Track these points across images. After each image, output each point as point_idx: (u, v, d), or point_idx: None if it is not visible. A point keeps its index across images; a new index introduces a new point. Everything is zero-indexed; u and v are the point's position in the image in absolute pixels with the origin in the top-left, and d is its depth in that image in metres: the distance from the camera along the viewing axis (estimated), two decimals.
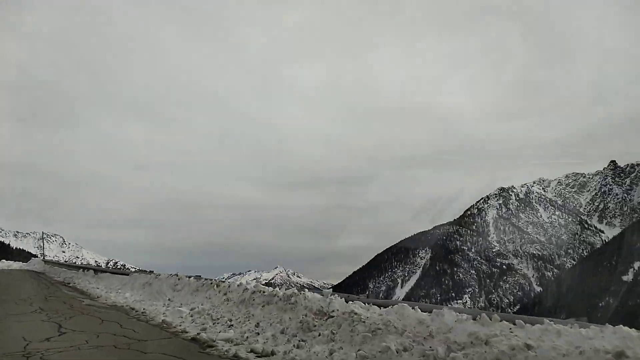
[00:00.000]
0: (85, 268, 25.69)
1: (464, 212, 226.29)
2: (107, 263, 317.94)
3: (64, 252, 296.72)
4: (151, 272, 18.15)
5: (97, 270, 23.86)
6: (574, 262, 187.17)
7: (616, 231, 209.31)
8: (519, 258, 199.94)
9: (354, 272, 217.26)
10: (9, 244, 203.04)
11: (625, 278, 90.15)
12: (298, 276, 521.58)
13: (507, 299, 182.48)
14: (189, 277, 14.46)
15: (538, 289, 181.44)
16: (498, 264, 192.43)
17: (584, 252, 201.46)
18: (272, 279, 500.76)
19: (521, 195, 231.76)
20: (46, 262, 39.28)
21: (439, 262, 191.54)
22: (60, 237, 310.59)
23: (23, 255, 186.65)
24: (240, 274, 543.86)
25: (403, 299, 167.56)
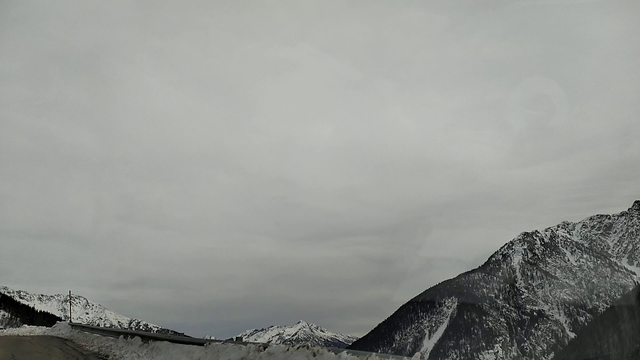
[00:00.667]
0: (128, 334, 19.41)
1: (489, 259, 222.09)
2: (130, 324, 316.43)
3: (87, 313, 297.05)
4: (237, 338, 13.37)
5: (146, 337, 17.62)
6: (607, 306, 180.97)
7: None
8: (549, 304, 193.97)
9: (379, 325, 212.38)
10: (33, 307, 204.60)
11: None
12: (322, 330, 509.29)
13: (540, 346, 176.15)
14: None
15: (572, 335, 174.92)
16: (528, 311, 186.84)
17: (617, 294, 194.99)
18: (296, 334, 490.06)
19: (546, 240, 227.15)
20: (73, 325, 34.11)
21: (466, 311, 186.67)
22: (84, 298, 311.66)
23: (47, 319, 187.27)
24: (262, 329, 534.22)
25: (432, 351, 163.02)
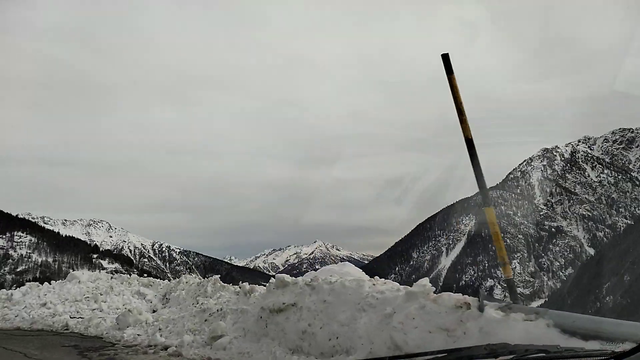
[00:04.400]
0: None
1: (507, 176, 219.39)
2: (153, 245, 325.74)
3: (111, 236, 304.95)
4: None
5: None
6: (627, 222, 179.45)
7: None
8: (567, 220, 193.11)
9: (396, 243, 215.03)
10: (58, 232, 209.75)
11: None
12: (337, 249, 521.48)
13: (558, 262, 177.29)
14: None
15: (590, 250, 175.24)
16: (546, 227, 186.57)
17: (637, 210, 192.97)
18: (312, 252, 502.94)
19: (566, 155, 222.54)
20: None
21: (484, 228, 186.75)
22: (107, 222, 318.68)
23: (73, 243, 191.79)
24: (280, 249, 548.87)
25: (449, 267, 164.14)
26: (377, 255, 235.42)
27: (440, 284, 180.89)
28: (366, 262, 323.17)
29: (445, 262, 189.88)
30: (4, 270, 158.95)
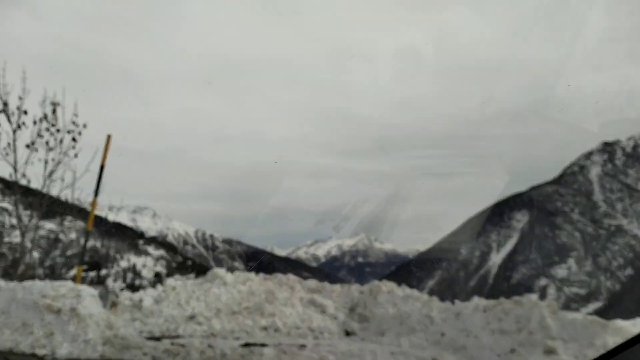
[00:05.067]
0: None
1: (563, 171, 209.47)
2: (196, 233, 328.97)
3: (155, 224, 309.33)
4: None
5: None
6: None
7: None
8: (629, 218, 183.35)
9: (443, 238, 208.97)
10: (106, 217, 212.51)
11: None
12: (381, 242, 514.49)
13: (617, 261, 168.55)
14: None
15: None
16: (605, 226, 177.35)
17: None
18: (354, 245, 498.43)
19: (628, 150, 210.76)
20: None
21: (538, 225, 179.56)
22: (151, 209, 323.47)
23: (120, 229, 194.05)
24: (322, 240, 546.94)
25: (500, 265, 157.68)
26: (423, 250, 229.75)
27: (490, 281, 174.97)
28: (411, 256, 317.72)
29: (496, 259, 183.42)
30: (55, 254, 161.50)
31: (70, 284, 7.38)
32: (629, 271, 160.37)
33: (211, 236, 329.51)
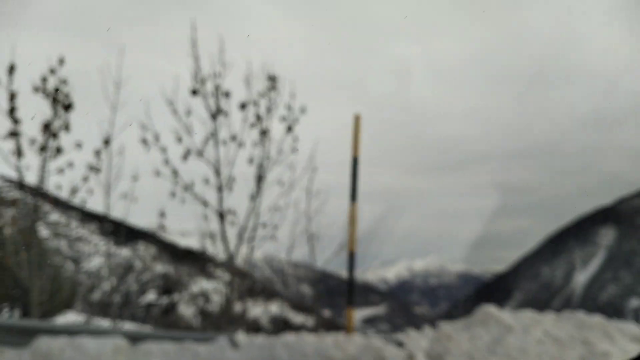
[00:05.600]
0: None
1: None
2: (264, 256, 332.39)
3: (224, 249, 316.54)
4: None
5: None
6: None
7: None
8: None
9: (523, 258, 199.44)
10: (176, 243, 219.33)
11: None
12: (453, 263, 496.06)
13: None
14: None
15: None
16: None
17: None
18: (426, 267, 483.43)
19: None
20: None
21: (627, 242, 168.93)
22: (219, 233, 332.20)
23: (191, 255, 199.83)
24: (390, 262, 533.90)
25: (585, 284, 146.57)
26: (501, 271, 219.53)
27: (575, 302, 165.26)
28: (487, 278, 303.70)
29: (580, 277, 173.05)
30: (129, 280, 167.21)
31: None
32: None
33: (279, 259, 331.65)
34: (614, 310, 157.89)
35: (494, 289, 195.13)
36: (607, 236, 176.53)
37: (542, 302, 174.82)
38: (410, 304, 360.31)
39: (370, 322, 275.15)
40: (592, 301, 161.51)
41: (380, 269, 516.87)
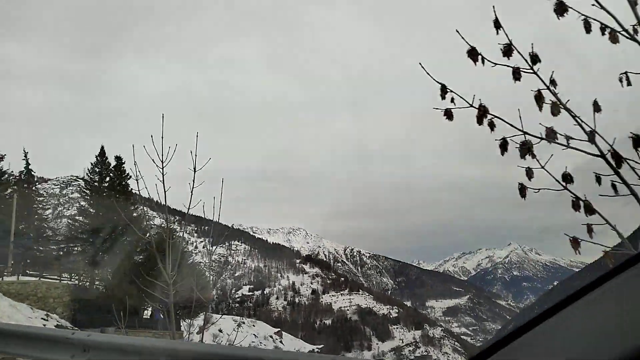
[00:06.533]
0: None
1: None
2: (345, 250, 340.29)
3: (307, 242, 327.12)
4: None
5: None
6: None
7: None
8: None
9: (617, 245, 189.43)
10: (266, 240, 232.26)
11: None
12: (537, 253, 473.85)
13: None
14: None
15: None
16: None
17: None
18: (507, 256, 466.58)
19: None
20: None
21: None
22: (304, 229, 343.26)
23: (278, 248, 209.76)
24: (470, 252, 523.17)
25: None
26: (591, 262, 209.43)
27: None
28: (576, 269, 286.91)
29: None
30: (225, 275, 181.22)
31: None
32: None
33: (359, 252, 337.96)
34: None
35: (584, 281, 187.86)
36: None
37: None
38: (491, 295, 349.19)
39: (452, 312, 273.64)
40: None
41: (461, 260, 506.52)
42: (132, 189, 31.55)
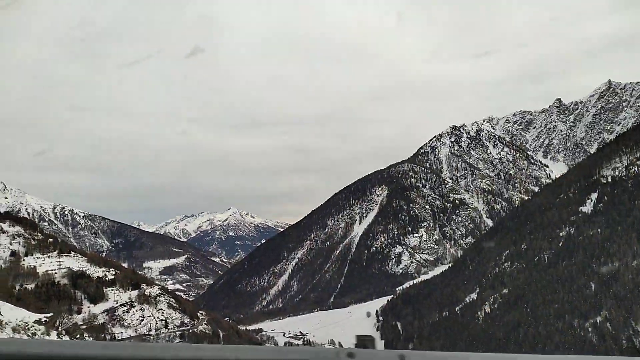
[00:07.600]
0: None
1: (418, 151, 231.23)
2: (54, 209, 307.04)
3: (6, 198, 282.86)
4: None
5: None
6: (521, 196, 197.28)
7: (560, 165, 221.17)
8: (470, 193, 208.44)
9: (312, 212, 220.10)
10: None
11: (584, 209, 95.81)
12: (252, 216, 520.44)
13: (460, 231, 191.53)
14: None
15: (488, 221, 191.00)
16: (451, 199, 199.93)
17: (530, 185, 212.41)
18: (226, 219, 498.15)
19: (472, 133, 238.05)
20: None
21: (395, 199, 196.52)
22: (1, 182, 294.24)
23: None
24: (192, 215, 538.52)
25: (361, 235, 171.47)
26: (293, 223, 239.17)
27: (353, 249, 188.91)
28: (281, 229, 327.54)
29: (358, 229, 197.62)
30: None
31: None
32: (469, 239, 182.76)
33: (71, 211, 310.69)
34: (382, 257, 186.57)
35: (287, 240, 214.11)
36: (380, 196, 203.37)
37: (327, 250, 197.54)
38: (207, 254, 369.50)
39: (168, 271, 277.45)
40: (366, 249, 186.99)
41: (183, 222, 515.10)
42: None
